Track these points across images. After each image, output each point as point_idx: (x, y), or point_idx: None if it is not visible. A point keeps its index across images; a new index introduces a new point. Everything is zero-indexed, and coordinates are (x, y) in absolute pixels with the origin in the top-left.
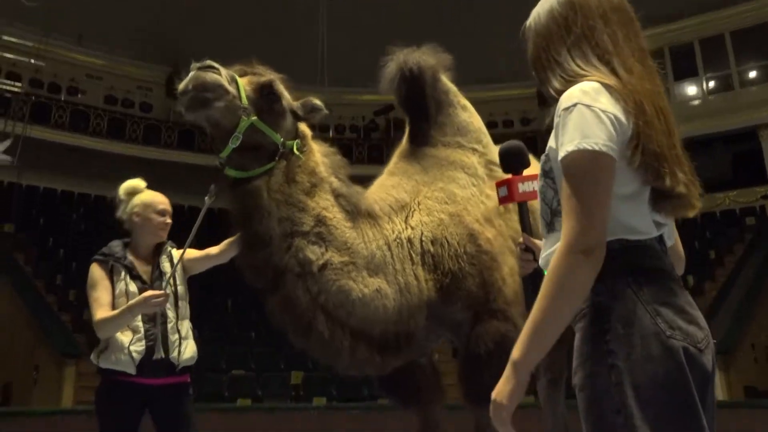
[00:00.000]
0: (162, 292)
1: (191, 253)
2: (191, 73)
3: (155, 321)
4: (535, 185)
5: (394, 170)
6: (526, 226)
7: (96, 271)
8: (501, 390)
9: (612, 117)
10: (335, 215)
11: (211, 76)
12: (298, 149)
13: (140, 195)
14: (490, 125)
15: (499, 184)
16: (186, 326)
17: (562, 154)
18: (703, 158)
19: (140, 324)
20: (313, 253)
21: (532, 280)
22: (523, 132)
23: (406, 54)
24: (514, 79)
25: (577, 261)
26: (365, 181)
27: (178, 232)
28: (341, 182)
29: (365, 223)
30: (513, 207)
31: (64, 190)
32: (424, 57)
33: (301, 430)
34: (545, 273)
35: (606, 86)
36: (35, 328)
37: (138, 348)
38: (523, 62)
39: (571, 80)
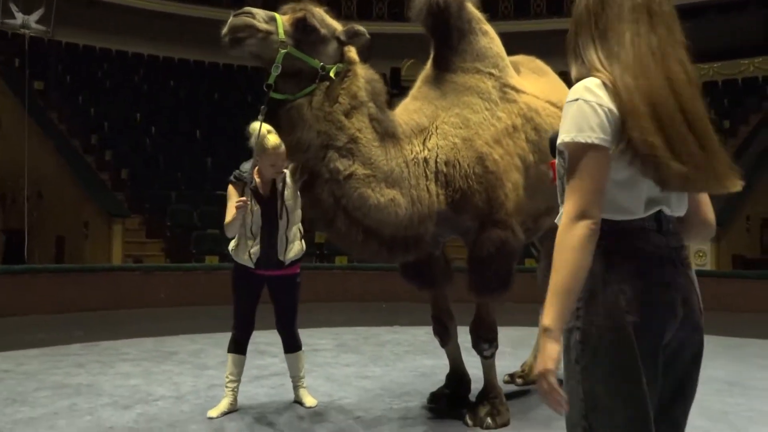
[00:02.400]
0: (245, 199)
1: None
2: (229, 20)
3: (270, 230)
4: None
5: (417, 95)
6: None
7: (231, 190)
8: (543, 360)
9: (607, 110)
10: (366, 135)
11: (242, 19)
12: (337, 73)
13: (263, 140)
14: None
15: (548, 167)
16: (294, 231)
17: (559, 141)
18: (734, 21)
19: (259, 233)
20: (342, 164)
21: None
22: None
23: None
24: None
25: (575, 226)
26: (386, 39)
27: (203, 90)
28: (378, 108)
29: (390, 143)
30: (521, 127)
31: (86, 45)
32: None
33: (325, 284)
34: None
35: (604, 83)
36: (80, 186)
37: (255, 250)
38: None
39: (583, 72)
